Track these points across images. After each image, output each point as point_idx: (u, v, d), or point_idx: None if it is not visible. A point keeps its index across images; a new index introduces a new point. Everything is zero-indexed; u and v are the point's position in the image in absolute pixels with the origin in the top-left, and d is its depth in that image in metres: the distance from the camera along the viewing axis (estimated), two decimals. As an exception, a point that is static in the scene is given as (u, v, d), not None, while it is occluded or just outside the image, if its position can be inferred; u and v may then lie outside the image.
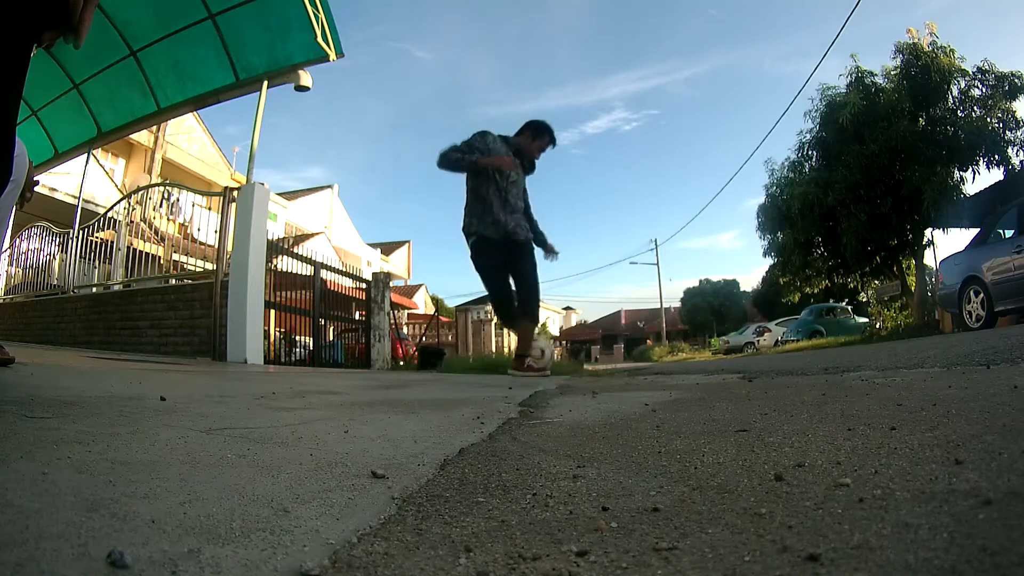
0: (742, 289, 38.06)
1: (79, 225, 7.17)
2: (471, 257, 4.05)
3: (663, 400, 1.94)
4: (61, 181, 10.49)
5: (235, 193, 5.48)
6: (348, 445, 1.11)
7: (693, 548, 0.56)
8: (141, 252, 6.47)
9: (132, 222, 6.85)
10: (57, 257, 7.63)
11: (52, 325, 7.02)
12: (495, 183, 4.00)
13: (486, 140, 4.05)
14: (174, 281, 6.28)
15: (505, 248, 4.02)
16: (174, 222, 7.32)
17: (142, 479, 0.75)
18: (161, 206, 7.19)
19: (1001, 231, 7.47)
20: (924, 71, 12.12)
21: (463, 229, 4.08)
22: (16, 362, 2.03)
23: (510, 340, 22.69)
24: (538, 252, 4.31)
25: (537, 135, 4.24)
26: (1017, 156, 11.61)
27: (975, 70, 12.16)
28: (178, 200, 7.24)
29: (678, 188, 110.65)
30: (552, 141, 4.28)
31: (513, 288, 4.11)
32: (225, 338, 5.18)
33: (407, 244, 28.98)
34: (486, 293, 4.14)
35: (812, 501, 0.66)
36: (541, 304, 4.39)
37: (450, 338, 15.43)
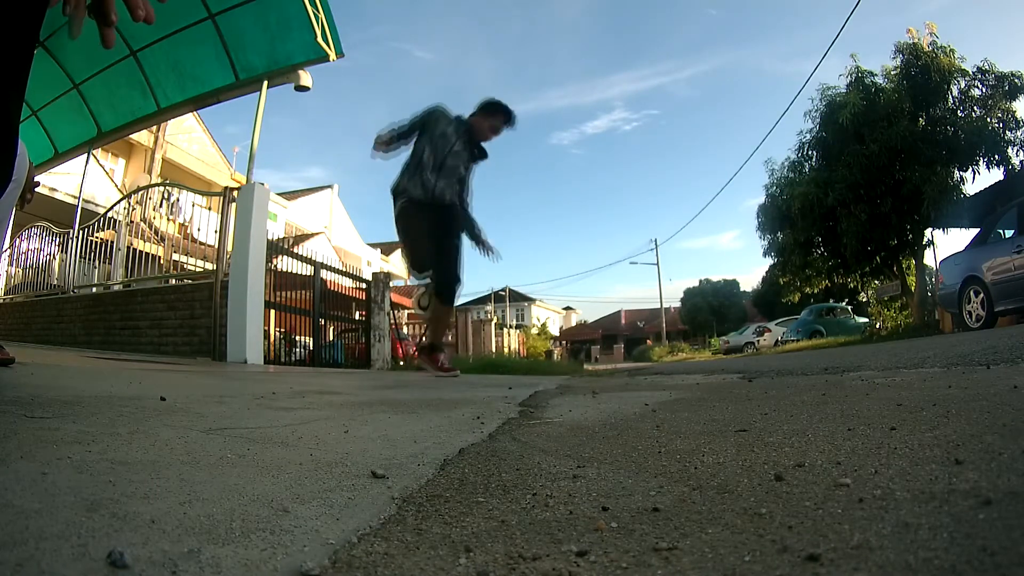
0: (742, 289, 38.12)
1: (79, 225, 7.17)
2: (396, 220, 3.71)
3: (663, 400, 1.94)
4: (61, 181, 10.49)
5: (235, 193, 5.48)
6: (348, 445, 1.11)
7: (693, 548, 0.56)
8: (141, 252, 6.47)
9: (132, 222, 6.85)
10: (57, 257, 7.63)
11: (52, 325, 7.02)
12: (432, 144, 3.73)
13: (432, 116, 3.78)
14: (174, 281, 6.28)
15: (431, 211, 3.70)
16: (174, 222, 7.33)
17: (142, 479, 0.75)
18: (161, 206, 7.20)
19: (1001, 231, 7.47)
20: (924, 71, 12.13)
21: (392, 189, 3.74)
22: (16, 362, 2.03)
23: (509, 340, 22.65)
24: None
25: (487, 113, 3.88)
26: (1017, 156, 11.62)
27: (975, 70, 12.17)
28: (178, 200, 7.24)
29: (678, 188, 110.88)
30: (507, 121, 3.92)
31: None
32: (225, 338, 5.18)
33: (407, 244, 28.92)
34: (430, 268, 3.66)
35: (812, 501, 0.66)
36: (461, 287, 3.87)
37: (450, 338, 15.42)
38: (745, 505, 0.68)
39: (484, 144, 3.95)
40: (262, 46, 5.65)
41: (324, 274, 7.56)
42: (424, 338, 3.96)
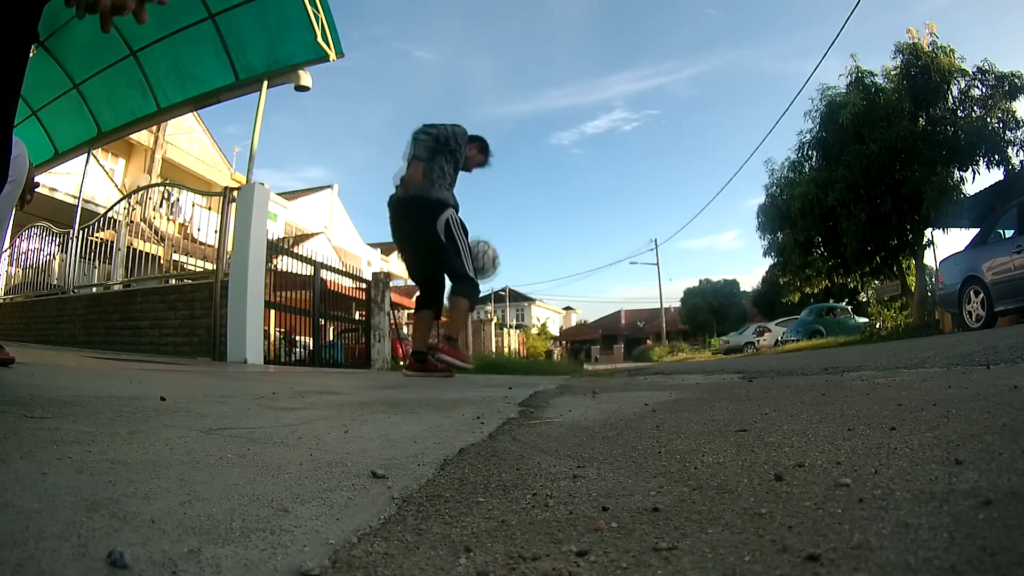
0: (742, 289, 38.13)
1: (79, 225, 7.17)
2: (448, 226, 3.80)
3: (663, 400, 1.94)
4: (61, 181, 10.49)
5: (235, 193, 5.48)
6: (348, 445, 1.11)
7: (693, 548, 0.56)
8: (141, 252, 6.47)
9: (132, 222, 6.85)
10: (57, 257, 7.63)
11: (52, 325, 7.02)
12: (456, 171, 3.98)
13: (464, 146, 4.01)
14: (174, 281, 6.29)
15: None
16: (174, 222, 7.33)
17: (142, 479, 0.75)
18: (161, 206, 7.20)
19: (1001, 231, 7.47)
20: (924, 71, 12.13)
21: (438, 198, 3.81)
22: (16, 362, 2.04)
23: (509, 340, 22.62)
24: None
25: (482, 151, 4.22)
26: (1017, 156, 11.62)
27: (975, 70, 12.17)
28: (178, 200, 7.25)
29: (678, 188, 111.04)
30: (485, 165, 4.29)
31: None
32: (225, 338, 5.18)
33: (407, 244, 28.93)
34: (466, 271, 3.82)
35: (812, 501, 0.66)
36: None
37: (450, 338, 15.38)
38: (745, 505, 0.68)
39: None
40: (262, 46, 5.65)
41: (324, 274, 7.56)
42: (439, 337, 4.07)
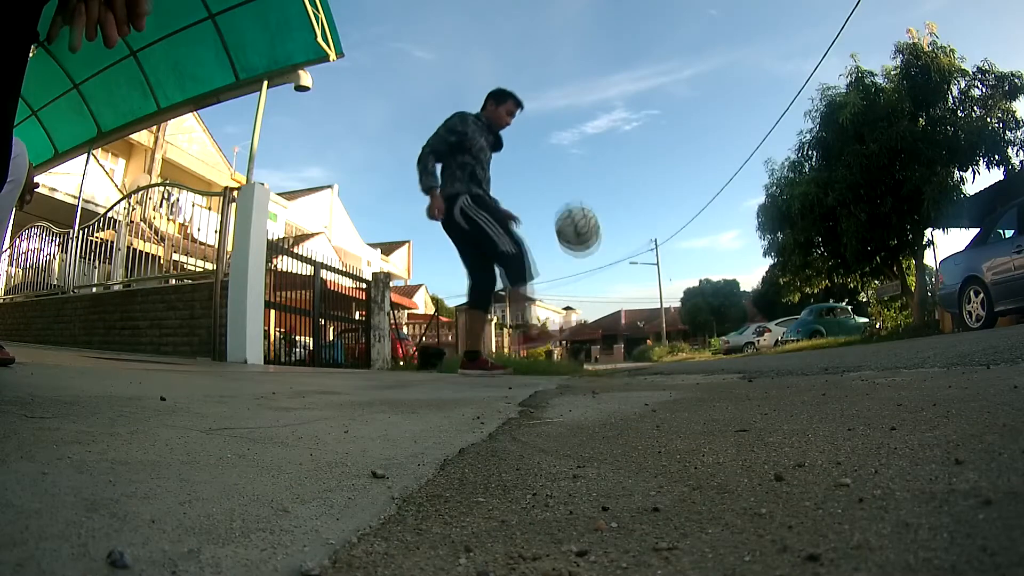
0: (742, 289, 38.14)
1: (79, 225, 7.17)
2: (462, 212, 3.81)
3: (663, 400, 1.94)
4: (61, 181, 10.49)
5: (235, 193, 5.48)
6: (348, 445, 1.11)
7: (693, 548, 0.56)
8: (141, 252, 6.47)
9: (132, 222, 6.85)
10: (57, 257, 7.63)
11: (52, 325, 7.02)
12: (477, 161, 3.96)
13: (466, 126, 3.97)
14: (174, 281, 6.28)
15: (490, 207, 3.97)
16: (174, 222, 7.33)
17: (142, 479, 0.75)
18: (161, 206, 7.20)
19: (1001, 231, 7.48)
20: (924, 71, 12.14)
21: (446, 196, 3.89)
22: (16, 362, 2.03)
23: (510, 340, 22.61)
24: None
25: (499, 101, 4.14)
26: (1017, 156, 11.64)
27: (975, 70, 12.19)
28: (178, 200, 7.25)
29: (678, 188, 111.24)
30: (517, 103, 4.17)
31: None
32: (225, 338, 5.18)
33: (407, 244, 29.01)
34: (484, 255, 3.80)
35: (812, 501, 0.66)
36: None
37: (450, 338, 15.43)
38: (745, 505, 0.68)
39: (502, 131, 4.19)
40: (262, 46, 5.65)
41: (324, 274, 7.56)
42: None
